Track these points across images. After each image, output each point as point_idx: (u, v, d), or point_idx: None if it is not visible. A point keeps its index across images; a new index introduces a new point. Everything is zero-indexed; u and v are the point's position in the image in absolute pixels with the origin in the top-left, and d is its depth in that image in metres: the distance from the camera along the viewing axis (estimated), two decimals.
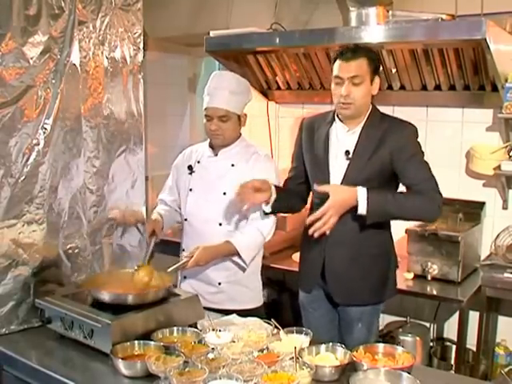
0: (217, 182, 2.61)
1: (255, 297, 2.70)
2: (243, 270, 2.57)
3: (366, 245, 2.41)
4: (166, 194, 2.83)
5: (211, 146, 2.68)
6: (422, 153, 2.39)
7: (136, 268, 2.20)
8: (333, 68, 2.38)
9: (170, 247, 3.00)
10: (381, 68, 3.28)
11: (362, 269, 2.42)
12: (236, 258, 2.52)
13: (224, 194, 2.58)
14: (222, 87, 2.54)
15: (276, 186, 2.47)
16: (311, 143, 2.52)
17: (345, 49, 2.35)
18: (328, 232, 2.24)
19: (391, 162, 2.34)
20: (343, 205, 2.23)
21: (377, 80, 2.38)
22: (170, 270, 2.29)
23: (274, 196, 2.42)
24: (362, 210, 2.22)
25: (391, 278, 2.50)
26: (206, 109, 2.58)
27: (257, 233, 2.54)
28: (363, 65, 2.31)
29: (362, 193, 2.22)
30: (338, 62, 2.35)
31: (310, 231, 2.23)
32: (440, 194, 2.32)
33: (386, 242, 2.49)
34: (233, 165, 2.61)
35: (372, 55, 2.36)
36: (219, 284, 2.59)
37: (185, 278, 2.67)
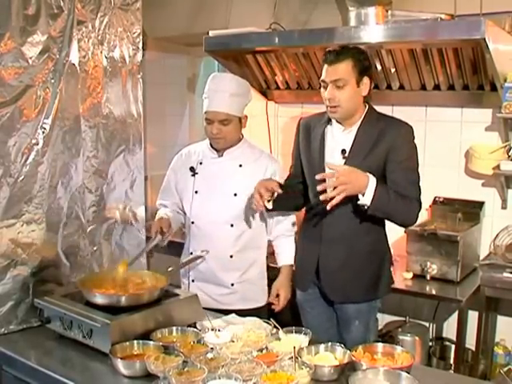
0: (225, 183, 2.58)
1: (263, 295, 2.72)
2: None
3: (360, 242, 2.41)
4: (165, 198, 2.78)
5: (213, 146, 2.66)
6: (417, 154, 2.39)
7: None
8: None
9: (169, 247, 2.99)
10: (380, 68, 3.32)
11: (356, 267, 2.42)
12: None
13: (235, 194, 2.57)
14: (222, 90, 2.52)
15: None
16: (308, 143, 2.52)
17: (329, 52, 2.34)
18: (331, 206, 2.18)
19: (386, 160, 2.34)
20: (357, 180, 2.18)
21: (365, 81, 2.35)
22: (171, 269, 2.30)
23: (276, 194, 2.42)
24: (367, 199, 2.19)
25: (385, 275, 2.49)
26: (206, 112, 2.56)
27: (291, 239, 2.70)
28: (347, 67, 2.29)
29: (372, 181, 2.20)
30: (323, 65, 2.36)
31: (319, 188, 2.18)
32: (420, 203, 2.34)
33: (380, 240, 2.49)
34: (241, 165, 2.60)
35: (358, 56, 2.33)
36: (232, 285, 2.60)
37: (193, 281, 2.66)
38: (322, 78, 2.35)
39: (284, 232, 2.69)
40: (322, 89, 2.38)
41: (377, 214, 2.27)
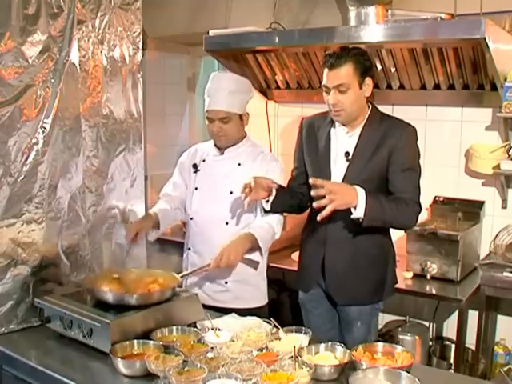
0: (223, 181, 2.60)
1: (260, 295, 2.70)
2: (256, 265, 2.55)
3: (365, 245, 2.40)
4: (171, 190, 2.77)
5: (216, 145, 2.68)
6: (419, 156, 2.38)
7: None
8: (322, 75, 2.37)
9: (169, 247, 2.99)
10: (380, 67, 3.32)
11: (361, 269, 2.41)
12: (250, 254, 2.47)
13: (231, 192, 2.57)
14: (221, 88, 2.54)
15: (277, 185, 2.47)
16: (312, 144, 2.51)
17: (329, 55, 2.31)
18: (321, 217, 2.16)
19: (388, 162, 2.34)
20: (345, 193, 2.16)
21: (368, 81, 2.33)
22: (182, 275, 2.27)
23: (273, 194, 2.42)
24: (360, 212, 2.18)
25: (390, 277, 2.50)
26: (207, 111, 2.58)
27: (268, 227, 2.53)
28: (349, 70, 2.27)
29: (361, 194, 2.19)
30: (324, 69, 2.33)
31: (313, 193, 2.16)
32: (420, 206, 2.34)
33: (384, 242, 2.48)
34: (239, 164, 2.61)
35: (359, 58, 2.30)
36: (226, 283, 2.59)
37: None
38: (324, 83, 2.33)
39: (266, 220, 2.55)
40: (324, 93, 2.36)
41: (373, 224, 2.25)
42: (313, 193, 2.17)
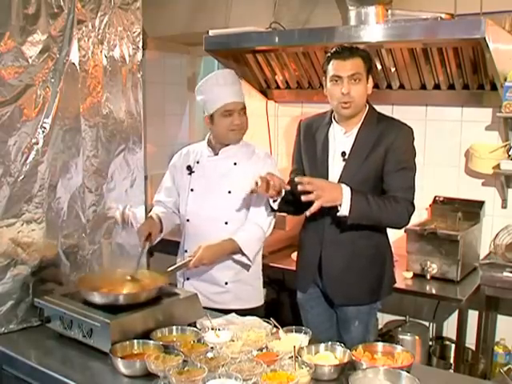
0: (220, 181, 2.59)
1: (258, 295, 2.70)
2: (247, 267, 2.56)
3: (361, 245, 2.40)
4: (163, 196, 2.77)
5: (210, 145, 2.68)
6: (414, 156, 2.38)
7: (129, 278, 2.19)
8: (327, 69, 2.37)
9: (169, 247, 2.99)
10: (380, 67, 3.32)
11: (359, 270, 2.42)
12: (239, 256, 2.51)
13: (229, 192, 2.57)
14: (228, 83, 2.54)
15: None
16: (310, 145, 2.51)
17: (341, 48, 2.35)
18: (310, 212, 2.19)
19: (384, 161, 2.34)
20: (330, 190, 2.20)
21: (370, 79, 2.39)
22: (170, 269, 2.29)
23: (282, 195, 2.41)
24: (345, 210, 2.20)
25: (387, 277, 2.49)
26: (225, 104, 2.51)
27: (257, 228, 2.54)
28: (360, 63, 2.32)
29: (346, 191, 2.21)
30: (334, 61, 2.34)
31: (303, 198, 2.18)
32: (413, 206, 2.34)
33: (381, 243, 2.48)
34: (235, 163, 2.61)
35: (366, 55, 2.37)
36: (226, 284, 2.58)
37: (187, 279, 2.65)
38: (336, 73, 2.33)
39: (255, 221, 2.56)
40: (330, 85, 2.36)
41: (359, 222, 2.27)
42: (299, 187, 2.18)
